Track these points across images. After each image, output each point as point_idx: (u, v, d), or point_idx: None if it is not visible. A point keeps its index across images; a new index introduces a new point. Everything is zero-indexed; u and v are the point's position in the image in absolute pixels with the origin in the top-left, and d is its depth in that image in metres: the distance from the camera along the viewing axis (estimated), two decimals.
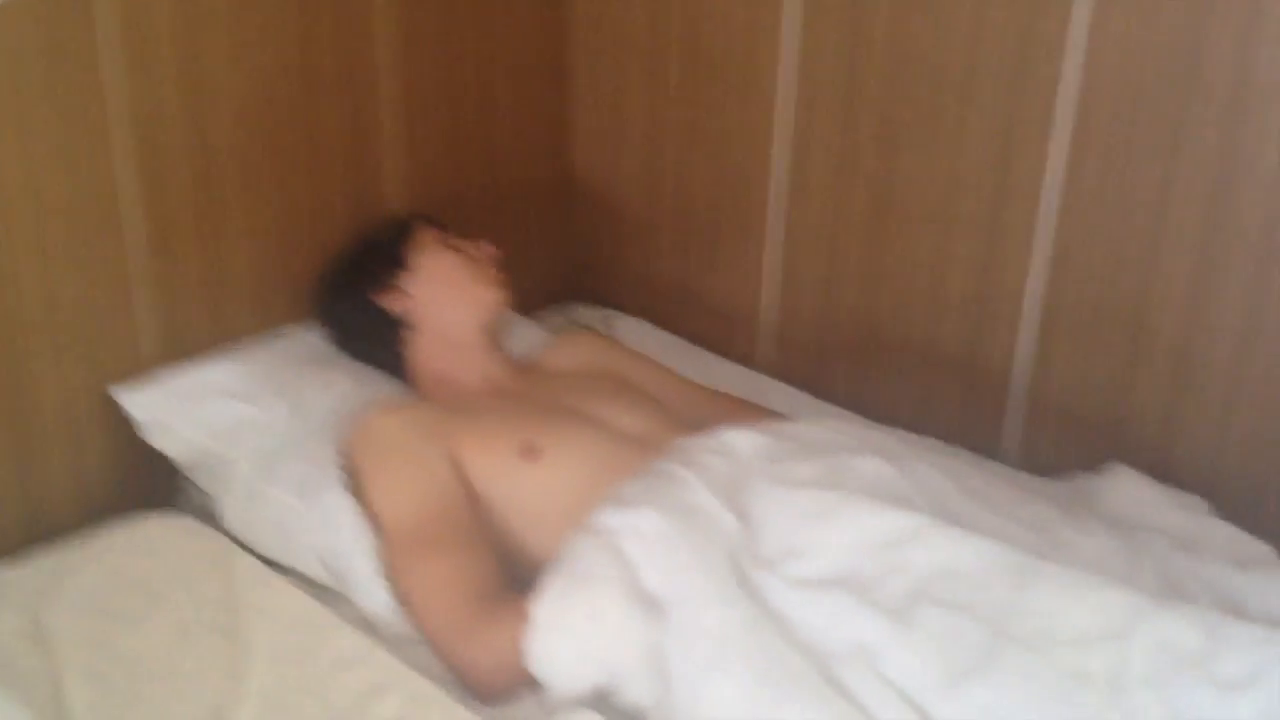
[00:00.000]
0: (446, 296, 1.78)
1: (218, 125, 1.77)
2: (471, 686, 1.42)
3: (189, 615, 1.52)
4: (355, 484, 1.63)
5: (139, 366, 1.77)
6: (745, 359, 2.17)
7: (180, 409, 1.73)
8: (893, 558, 1.33)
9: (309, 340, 1.91)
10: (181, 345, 1.81)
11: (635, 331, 2.24)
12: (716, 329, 2.21)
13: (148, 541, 1.67)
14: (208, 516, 1.73)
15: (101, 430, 1.76)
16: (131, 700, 1.40)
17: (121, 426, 1.75)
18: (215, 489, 1.71)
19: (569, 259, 2.39)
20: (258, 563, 1.62)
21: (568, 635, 1.36)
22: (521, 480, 1.59)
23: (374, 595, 1.53)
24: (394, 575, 1.53)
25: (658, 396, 1.82)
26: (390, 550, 1.54)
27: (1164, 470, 1.71)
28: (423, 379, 1.81)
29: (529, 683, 1.39)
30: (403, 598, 1.51)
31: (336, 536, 1.58)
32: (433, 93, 2.03)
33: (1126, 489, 1.61)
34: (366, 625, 1.53)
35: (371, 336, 1.83)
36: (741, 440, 1.55)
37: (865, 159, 1.92)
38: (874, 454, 1.49)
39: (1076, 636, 1.23)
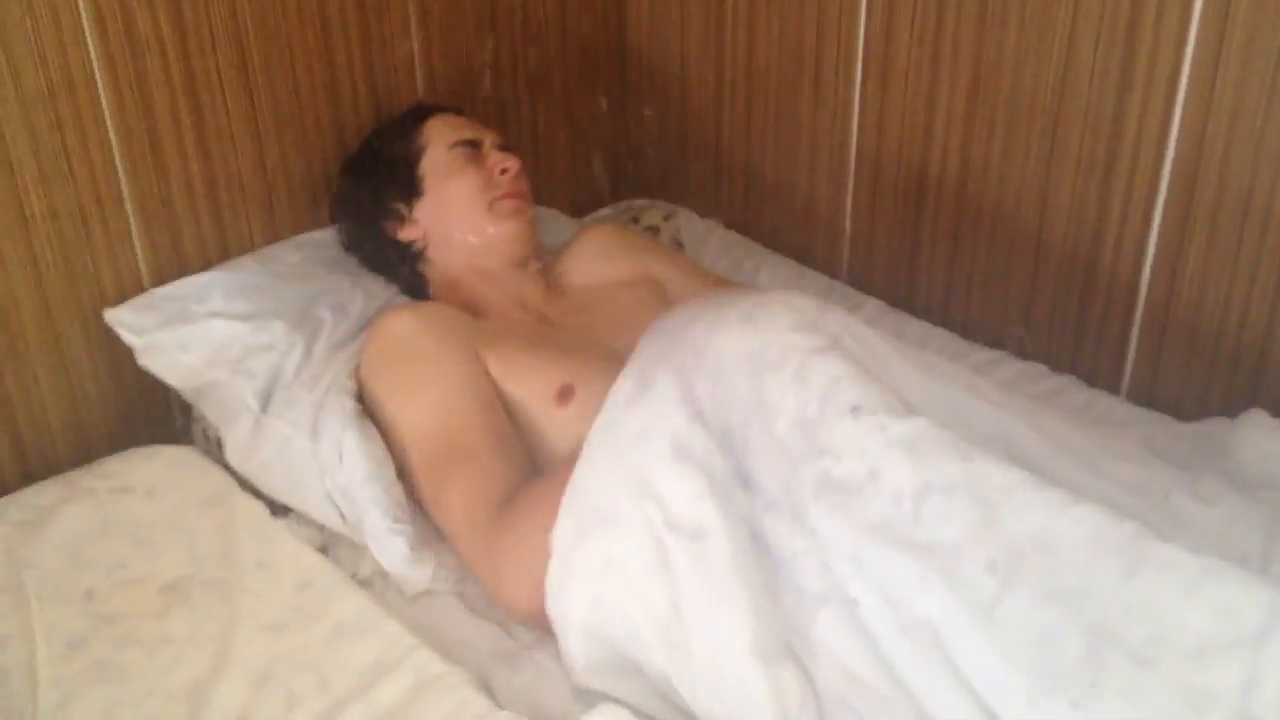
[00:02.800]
0: (460, 230, 1.59)
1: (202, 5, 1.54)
2: (504, 608, 1.28)
3: (179, 569, 1.36)
4: (369, 395, 1.45)
5: (136, 286, 1.59)
6: (825, 266, 1.92)
7: (175, 330, 1.53)
8: (974, 518, 1.09)
9: (321, 243, 1.71)
10: (182, 262, 1.62)
11: (699, 231, 2.00)
12: (793, 229, 1.95)
13: (142, 478, 1.50)
14: (219, 452, 1.55)
15: (98, 356, 1.59)
16: (103, 668, 1.24)
17: (123, 352, 1.57)
18: (221, 421, 1.52)
19: (622, 144, 2.14)
20: (260, 507, 1.46)
21: (583, 581, 1.18)
22: (550, 422, 1.40)
23: (388, 547, 1.34)
24: (422, 491, 1.38)
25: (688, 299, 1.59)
26: (416, 463, 1.38)
27: None
28: (445, 300, 1.60)
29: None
30: (434, 515, 1.37)
31: (349, 477, 1.38)
32: None
33: (1266, 443, 1.33)
34: (381, 580, 1.36)
35: (386, 262, 1.65)
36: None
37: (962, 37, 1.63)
38: (964, 388, 1.24)
39: (1198, 646, 0.98)
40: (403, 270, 1.63)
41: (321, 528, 1.44)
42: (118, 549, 1.39)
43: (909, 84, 1.71)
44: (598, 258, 1.68)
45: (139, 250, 1.58)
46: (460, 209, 1.58)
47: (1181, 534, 1.09)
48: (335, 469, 1.39)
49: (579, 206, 2.06)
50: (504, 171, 1.60)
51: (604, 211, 2.09)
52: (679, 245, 1.98)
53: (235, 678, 1.22)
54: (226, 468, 1.52)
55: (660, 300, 1.61)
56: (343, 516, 1.39)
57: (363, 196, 1.63)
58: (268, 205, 1.68)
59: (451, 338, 1.45)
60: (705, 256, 1.94)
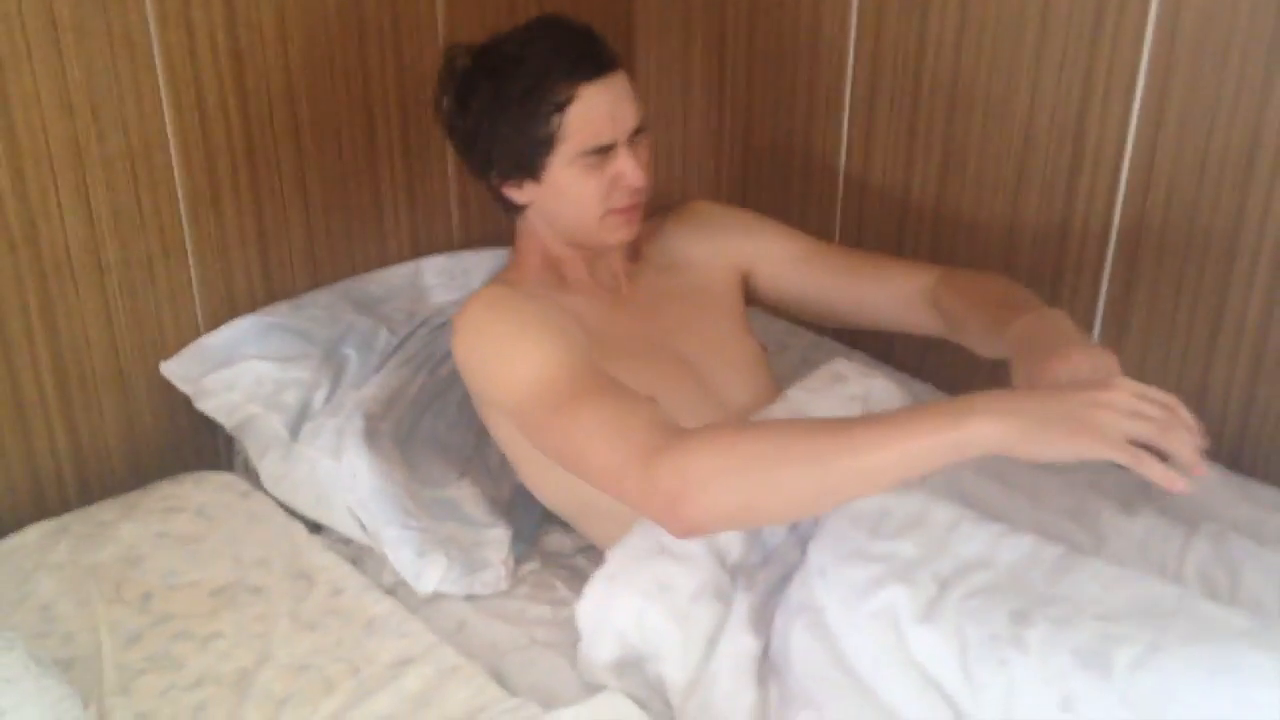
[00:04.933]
0: (564, 222, 1.54)
1: (263, 76, 1.74)
2: (665, 519, 1.24)
3: (226, 576, 1.53)
4: (471, 371, 1.45)
5: (193, 329, 1.78)
6: None
7: (216, 373, 1.72)
8: (926, 541, 1.27)
9: (349, 289, 1.89)
10: (234, 308, 1.80)
11: None
12: None
13: (192, 500, 1.67)
14: (259, 481, 1.72)
15: (156, 393, 1.77)
16: (160, 659, 1.40)
17: (176, 392, 1.76)
18: (257, 450, 1.70)
19: None
20: (299, 526, 1.62)
21: (629, 590, 1.32)
22: None
23: (398, 549, 1.50)
24: (551, 438, 1.35)
25: (790, 274, 1.68)
26: (538, 415, 1.35)
27: (1238, 454, 1.60)
28: (528, 254, 1.59)
29: (728, 517, 1.25)
30: (569, 456, 1.33)
31: (362, 491, 1.55)
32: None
33: None
34: (404, 588, 1.52)
35: (488, 191, 1.59)
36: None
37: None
38: None
39: (1107, 613, 1.14)
40: (502, 205, 1.58)
41: (349, 541, 1.61)
42: (171, 559, 1.56)
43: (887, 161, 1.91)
44: (691, 235, 1.69)
45: (197, 297, 1.76)
46: (570, 214, 1.52)
47: (1107, 546, 1.25)
48: (352, 485, 1.56)
49: None
50: (624, 182, 1.50)
51: None
52: None
53: (277, 667, 1.38)
54: (266, 493, 1.69)
55: (731, 298, 1.65)
56: (363, 528, 1.56)
57: (478, 146, 1.53)
58: (310, 257, 1.87)
59: (557, 313, 1.44)
60: None
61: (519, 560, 1.56)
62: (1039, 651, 1.11)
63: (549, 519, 1.64)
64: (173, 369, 1.75)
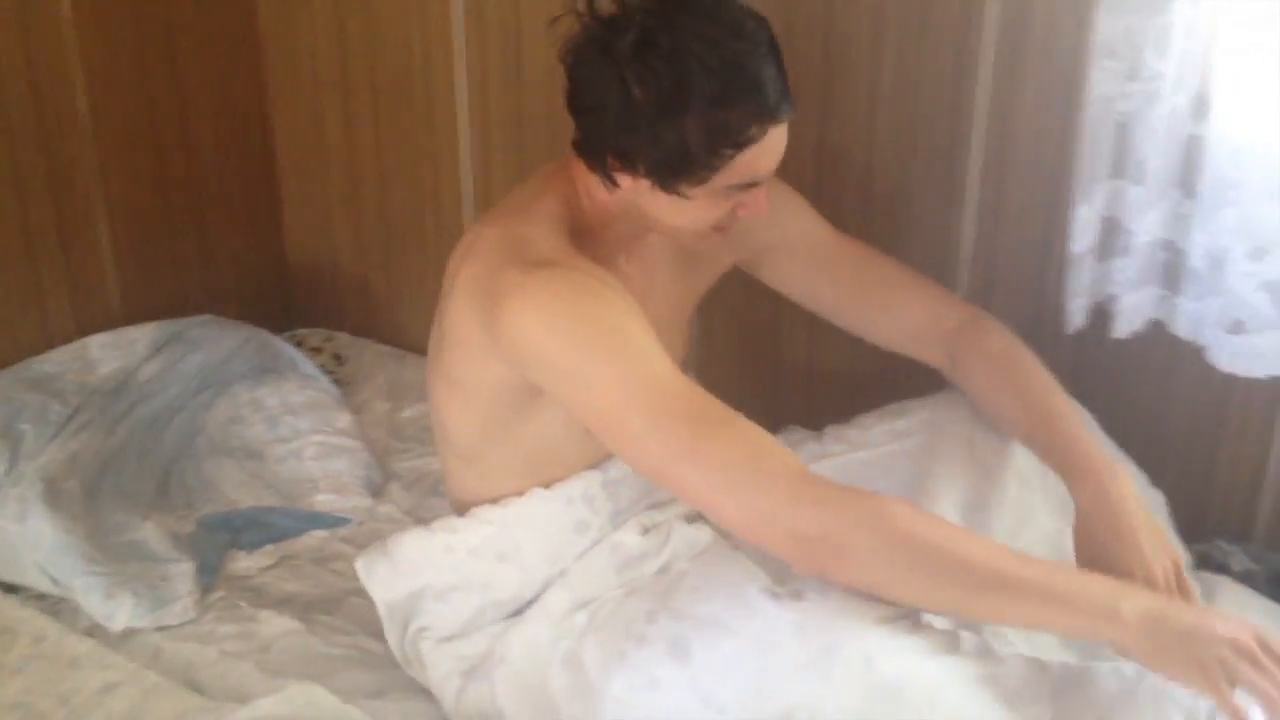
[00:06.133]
0: (667, 224, 1.40)
1: None
2: (803, 567, 1.25)
3: None
4: (544, 364, 1.32)
5: None
6: None
7: None
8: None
9: (17, 371, 2.03)
10: None
11: (354, 347, 2.45)
12: None
13: None
14: None
15: None
16: None
17: None
18: None
19: (286, 286, 2.57)
20: None
21: (626, 685, 1.36)
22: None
23: (91, 600, 1.68)
24: (660, 458, 1.27)
25: (795, 277, 1.61)
26: (647, 420, 1.26)
27: None
28: (579, 211, 1.43)
29: (864, 584, 1.26)
30: (692, 486, 1.27)
31: (48, 547, 1.72)
32: (130, 135, 2.17)
33: None
34: (100, 629, 1.68)
35: (591, 155, 1.38)
36: None
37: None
38: None
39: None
40: (589, 161, 1.38)
41: (44, 596, 1.75)
42: None
43: None
44: None
45: None
46: (677, 222, 1.39)
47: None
48: (38, 543, 1.73)
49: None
50: (748, 213, 1.40)
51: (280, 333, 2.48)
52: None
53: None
54: None
55: (712, 272, 1.61)
56: (54, 581, 1.72)
57: (629, 126, 1.31)
58: None
59: (609, 292, 1.33)
60: None
61: (206, 589, 1.75)
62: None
63: (234, 544, 1.84)
64: None
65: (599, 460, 1.50)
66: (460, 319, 1.39)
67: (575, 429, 1.36)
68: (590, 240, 1.41)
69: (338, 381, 2.29)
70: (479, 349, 1.37)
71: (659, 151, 1.30)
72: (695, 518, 1.52)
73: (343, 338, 2.50)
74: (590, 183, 1.40)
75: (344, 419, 2.12)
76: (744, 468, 1.24)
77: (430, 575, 1.49)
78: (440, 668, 1.50)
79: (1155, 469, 1.63)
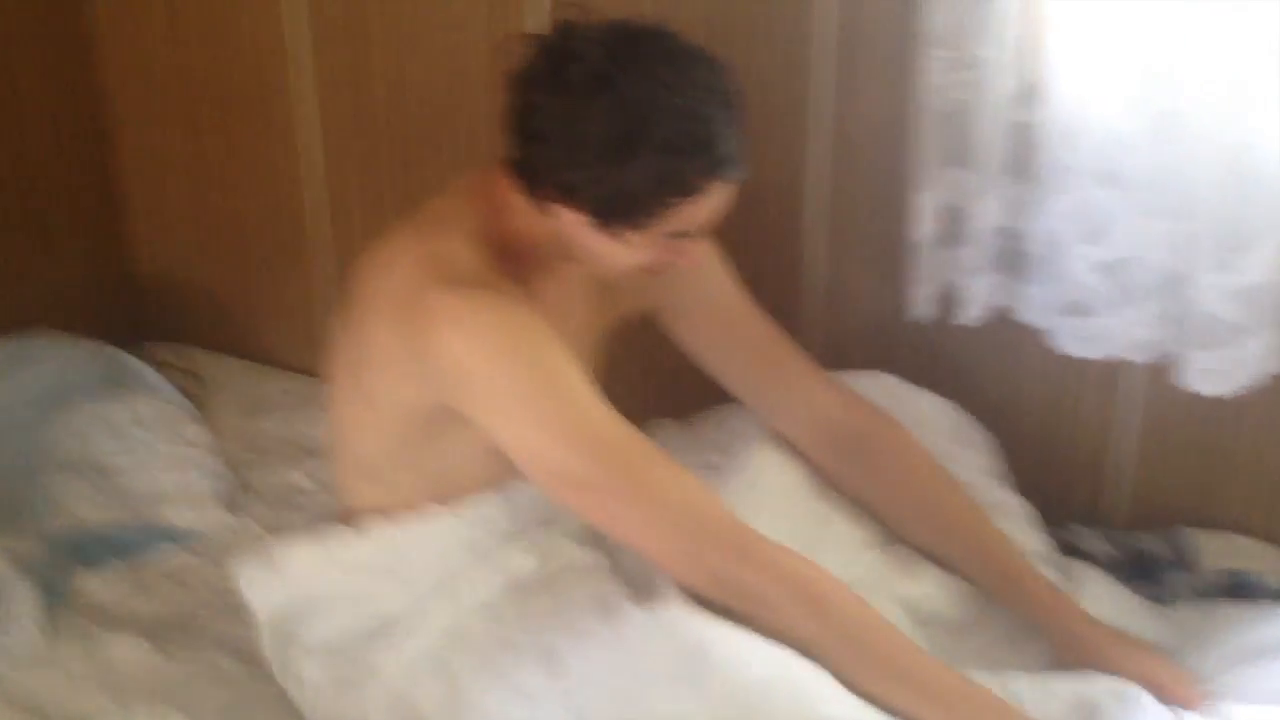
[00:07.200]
0: (596, 262, 1.37)
1: None
2: (720, 589, 1.29)
3: None
4: (471, 398, 1.31)
5: None
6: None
7: None
8: None
9: None
10: None
11: (208, 361, 2.39)
12: (287, 348, 2.38)
13: None
14: None
15: None
16: None
17: None
18: None
19: (135, 298, 2.49)
20: None
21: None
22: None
23: None
24: (599, 502, 1.31)
25: (697, 338, 1.61)
26: (589, 464, 1.29)
27: None
28: (501, 229, 1.38)
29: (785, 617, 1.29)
30: (624, 524, 1.31)
31: None
32: None
33: None
34: None
35: (526, 179, 1.34)
36: None
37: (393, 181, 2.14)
38: None
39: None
40: (526, 187, 1.34)
41: None
42: None
43: (364, 225, 2.19)
44: None
45: None
46: (608, 261, 1.36)
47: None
48: None
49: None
50: (680, 261, 1.38)
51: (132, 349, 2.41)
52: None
53: None
54: None
55: (623, 309, 1.57)
56: None
57: (574, 159, 1.27)
58: None
59: (535, 321, 1.32)
60: None
61: (52, 610, 1.68)
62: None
63: (82, 563, 1.77)
64: None
65: (500, 480, 1.47)
66: (380, 338, 1.35)
67: (483, 452, 1.36)
68: (511, 260, 1.38)
69: (191, 396, 2.22)
70: (399, 369, 1.34)
71: (603, 191, 1.28)
72: (585, 540, 1.51)
73: (196, 352, 2.42)
74: (518, 202, 1.36)
75: (193, 430, 2.06)
76: (676, 508, 1.29)
77: (316, 586, 1.48)
78: (315, 679, 1.47)
79: (1008, 455, 1.67)
